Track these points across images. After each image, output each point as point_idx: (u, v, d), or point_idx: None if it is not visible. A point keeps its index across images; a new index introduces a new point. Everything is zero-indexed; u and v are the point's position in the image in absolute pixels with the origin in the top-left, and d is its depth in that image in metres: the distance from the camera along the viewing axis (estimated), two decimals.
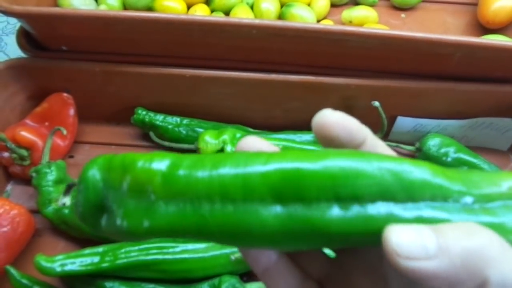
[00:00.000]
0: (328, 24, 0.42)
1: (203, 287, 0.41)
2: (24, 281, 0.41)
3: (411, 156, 0.52)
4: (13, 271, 0.41)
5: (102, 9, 0.55)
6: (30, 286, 0.41)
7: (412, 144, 0.51)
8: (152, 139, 0.51)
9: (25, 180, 0.51)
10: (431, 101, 0.49)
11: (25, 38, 0.51)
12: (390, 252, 0.15)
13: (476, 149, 0.51)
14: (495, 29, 0.57)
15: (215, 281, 0.41)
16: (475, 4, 0.60)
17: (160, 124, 0.51)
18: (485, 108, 0.49)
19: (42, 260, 0.39)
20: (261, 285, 0.41)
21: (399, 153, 0.53)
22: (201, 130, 0.51)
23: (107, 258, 0.41)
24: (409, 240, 0.15)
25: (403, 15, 0.60)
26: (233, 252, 0.41)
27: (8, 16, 0.45)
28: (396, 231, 0.15)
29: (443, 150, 0.48)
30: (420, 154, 0.50)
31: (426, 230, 0.16)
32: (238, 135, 0.47)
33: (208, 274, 0.41)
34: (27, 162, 0.50)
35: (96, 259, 0.40)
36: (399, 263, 0.15)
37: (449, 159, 0.48)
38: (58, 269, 0.39)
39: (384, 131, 0.49)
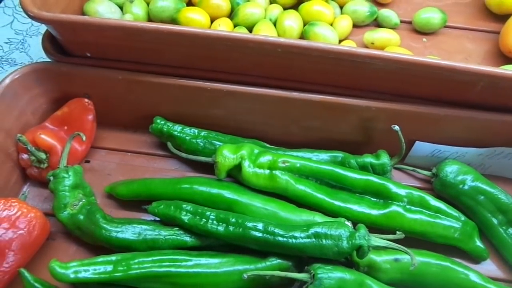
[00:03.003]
0: (353, 47, 0.43)
1: None
2: (37, 285, 0.41)
3: (427, 181, 0.52)
4: (26, 274, 0.41)
5: (128, 18, 0.56)
6: None
7: (428, 169, 0.51)
8: (170, 149, 0.51)
9: (41, 183, 0.51)
10: (450, 128, 0.49)
11: (50, 42, 0.52)
12: None
13: (492, 177, 0.50)
14: None
15: None
16: (497, 33, 0.60)
17: (178, 134, 0.52)
18: (504, 138, 0.49)
19: (57, 266, 0.39)
20: None
21: (415, 177, 0.53)
22: (218, 143, 0.51)
23: (120, 268, 0.41)
24: None
25: (424, 39, 0.60)
26: (246, 270, 0.41)
27: (37, 21, 0.46)
28: None
29: (460, 178, 0.48)
30: (436, 180, 0.50)
31: None
32: (256, 151, 0.47)
33: None
34: (44, 165, 0.50)
35: (109, 267, 0.40)
36: None
37: (466, 187, 0.48)
38: (72, 275, 0.39)
39: (401, 156, 0.49)
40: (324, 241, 0.40)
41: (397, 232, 0.43)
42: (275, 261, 0.42)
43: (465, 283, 0.43)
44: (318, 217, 0.45)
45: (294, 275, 0.40)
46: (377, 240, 0.40)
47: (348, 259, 0.43)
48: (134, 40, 0.47)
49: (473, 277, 0.43)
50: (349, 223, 0.43)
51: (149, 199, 0.48)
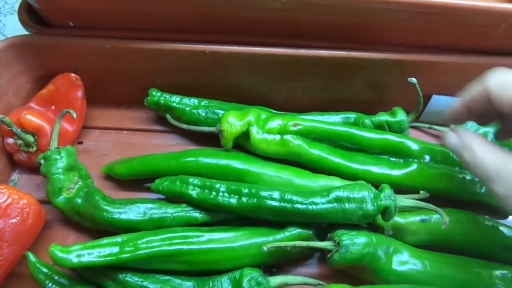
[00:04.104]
0: None
1: (223, 280, 0.37)
2: (44, 269, 0.38)
3: None
4: (32, 257, 0.38)
5: None
6: (50, 275, 0.38)
7: (446, 125, 0.48)
8: (169, 121, 0.47)
9: (32, 169, 0.47)
10: (469, 78, 0.45)
11: (27, 13, 0.47)
12: None
13: None
14: None
15: (236, 274, 0.37)
16: None
17: (177, 106, 0.48)
18: None
19: (58, 250, 0.36)
20: (286, 278, 0.38)
21: (432, 135, 0.50)
22: (221, 112, 0.47)
23: (126, 249, 0.37)
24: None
25: None
26: (264, 242, 0.38)
27: None
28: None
29: (482, 131, 0.45)
30: None
31: None
32: (263, 116, 0.44)
33: (237, 265, 0.38)
34: (33, 149, 0.46)
35: (115, 249, 0.37)
36: None
37: (488, 139, 0.45)
38: (75, 260, 0.36)
39: (419, 111, 0.46)
40: (347, 205, 0.37)
41: (421, 192, 0.41)
42: (294, 231, 0.39)
43: (498, 239, 0.40)
44: (337, 181, 0.42)
45: (317, 244, 0.37)
46: (403, 200, 0.38)
47: (371, 223, 0.41)
48: (122, 2, 0.43)
49: (507, 232, 0.40)
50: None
51: (150, 177, 0.44)
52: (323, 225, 0.40)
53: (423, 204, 0.37)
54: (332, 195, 0.38)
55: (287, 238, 0.39)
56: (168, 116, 0.47)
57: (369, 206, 0.37)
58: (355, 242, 0.36)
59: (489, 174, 0.31)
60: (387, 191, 0.37)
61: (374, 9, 0.40)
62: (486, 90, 0.31)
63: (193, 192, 0.41)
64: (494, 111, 0.32)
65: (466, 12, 0.38)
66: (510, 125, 0.35)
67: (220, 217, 0.42)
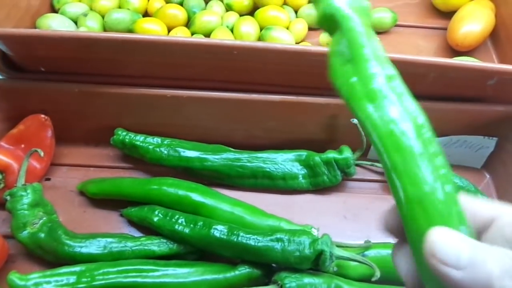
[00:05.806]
0: (306, 46, 0.44)
1: None
2: None
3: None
4: None
5: (83, 31, 0.55)
6: None
7: None
8: None
9: None
10: None
11: (1, 59, 0.50)
12: (428, 250, 0.17)
13: (450, 167, 0.52)
14: (464, 52, 0.60)
15: None
16: (445, 29, 0.62)
17: (141, 144, 0.51)
18: (459, 126, 0.51)
19: (16, 278, 0.38)
20: None
21: (373, 171, 0.54)
22: (182, 149, 0.50)
23: (83, 279, 0.39)
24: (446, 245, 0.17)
25: (377, 38, 0.62)
26: (214, 280, 0.41)
27: None
28: (438, 232, 0.18)
29: None
30: None
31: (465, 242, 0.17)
32: None
33: None
34: (0, 186, 0.48)
35: (72, 279, 0.39)
36: (432, 263, 0.17)
37: None
38: None
39: (363, 149, 0.50)
40: (286, 244, 0.40)
41: (365, 240, 0.44)
42: (244, 270, 0.42)
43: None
44: (284, 223, 0.45)
45: None
46: (340, 250, 0.40)
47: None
48: (90, 51, 0.47)
49: None
50: (315, 231, 0.43)
51: (117, 198, 0.48)
52: (274, 266, 0.42)
53: (359, 257, 0.40)
54: (276, 235, 0.41)
55: (237, 276, 0.41)
56: None
57: (306, 249, 0.40)
58: (298, 284, 0.39)
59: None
60: (326, 238, 0.40)
61: (315, 60, 0.44)
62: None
63: (156, 218, 0.45)
64: None
65: (397, 63, 0.43)
66: None
67: (177, 250, 0.44)
